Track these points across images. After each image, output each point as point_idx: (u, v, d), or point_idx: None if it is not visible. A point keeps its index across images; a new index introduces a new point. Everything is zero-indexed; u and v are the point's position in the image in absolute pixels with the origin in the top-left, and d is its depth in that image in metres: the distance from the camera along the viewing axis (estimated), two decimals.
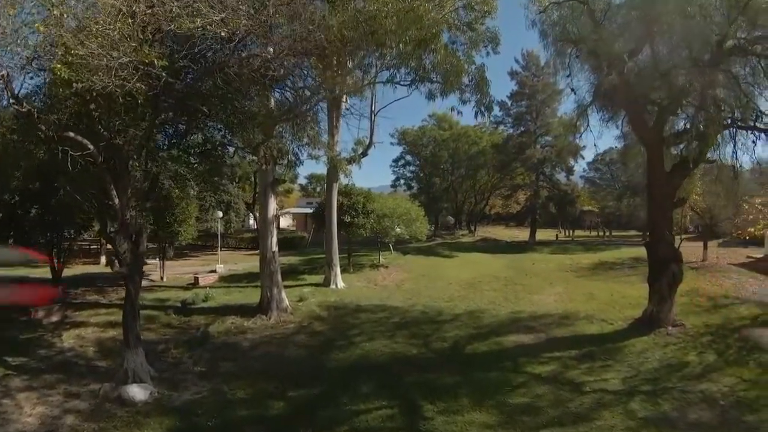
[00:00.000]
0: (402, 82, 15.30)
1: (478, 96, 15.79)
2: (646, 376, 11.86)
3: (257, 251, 21.60)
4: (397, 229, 28.42)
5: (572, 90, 17.29)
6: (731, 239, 40.98)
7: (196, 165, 15.98)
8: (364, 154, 24.08)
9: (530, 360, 13.11)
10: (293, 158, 19.97)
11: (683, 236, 24.06)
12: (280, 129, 19.29)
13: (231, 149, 19.55)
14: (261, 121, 15.22)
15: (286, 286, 23.33)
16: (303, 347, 14.98)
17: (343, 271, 28.37)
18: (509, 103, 48.95)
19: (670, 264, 15.76)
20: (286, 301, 19.76)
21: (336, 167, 20.40)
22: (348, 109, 25.34)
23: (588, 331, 15.95)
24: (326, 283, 24.78)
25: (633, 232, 58.69)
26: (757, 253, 31.73)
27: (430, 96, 15.98)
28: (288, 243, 47.01)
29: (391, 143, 61.55)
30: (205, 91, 12.30)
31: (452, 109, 16.19)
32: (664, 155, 15.88)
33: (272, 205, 20.20)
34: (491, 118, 50.02)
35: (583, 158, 48.49)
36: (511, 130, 50.27)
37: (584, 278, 26.05)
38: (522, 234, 56.33)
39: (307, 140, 19.92)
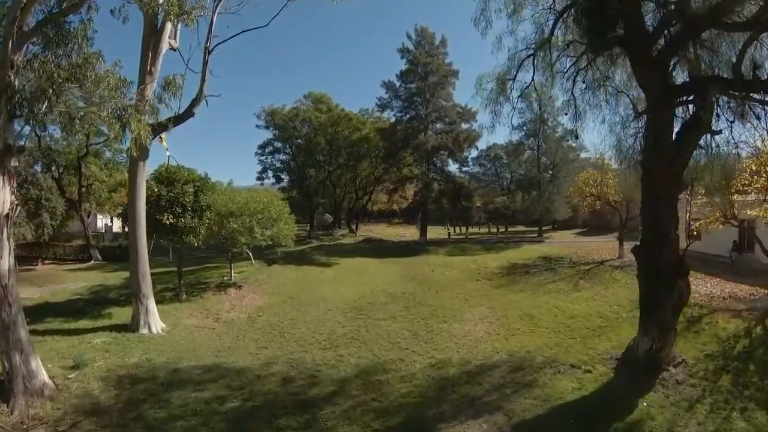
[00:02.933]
0: None
1: None
2: None
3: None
4: (257, 232, 20.20)
5: None
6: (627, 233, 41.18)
7: None
8: (188, 114, 15.56)
9: None
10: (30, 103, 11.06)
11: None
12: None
13: None
14: None
15: (72, 332, 15.31)
16: None
17: (172, 298, 19.51)
18: (398, 84, 43.38)
19: (676, 280, 10.46)
20: (44, 376, 10.98)
21: (127, 127, 11.58)
22: (175, 49, 16.69)
23: (566, 393, 10.05)
24: (134, 325, 15.76)
25: (521, 228, 58.11)
26: None
27: None
28: (125, 252, 35.84)
29: (257, 126, 52.16)
30: None
31: None
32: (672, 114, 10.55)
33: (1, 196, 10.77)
34: (377, 100, 44.35)
35: (477, 149, 44.95)
36: (399, 115, 44.71)
37: (504, 290, 20.90)
38: (409, 232, 51.62)
39: (67, 71, 11.21)
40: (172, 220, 17.84)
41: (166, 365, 12.49)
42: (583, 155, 43.55)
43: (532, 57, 13.03)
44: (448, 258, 31.52)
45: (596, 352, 12.19)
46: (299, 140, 50.68)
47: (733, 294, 18.26)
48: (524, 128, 44.92)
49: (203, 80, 16.42)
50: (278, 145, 52.98)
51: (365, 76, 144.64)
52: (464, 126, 41.44)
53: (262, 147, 53.68)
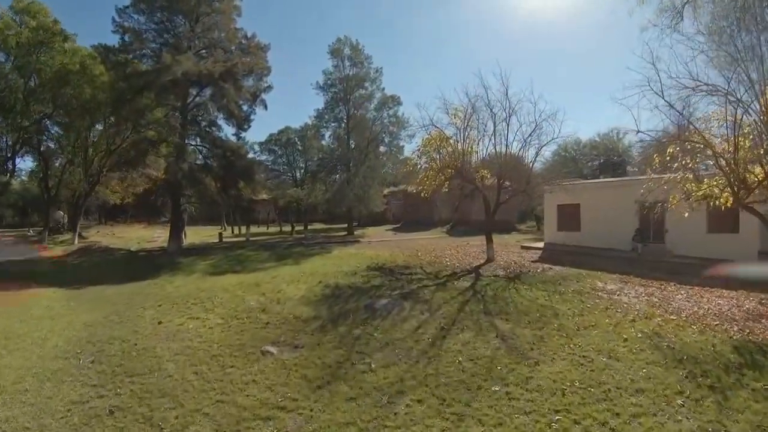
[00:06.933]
0: None
1: None
2: None
3: None
4: None
5: None
6: (456, 226, 33.33)
7: None
8: None
9: None
10: None
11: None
12: None
13: None
14: None
15: None
16: None
17: None
18: None
19: None
20: None
21: None
22: None
23: None
24: None
25: (321, 226, 46.23)
26: (525, 240, 25.10)
27: None
28: None
29: None
30: None
31: None
32: None
33: None
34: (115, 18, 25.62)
35: (266, 108, 29.65)
36: (146, 35, 26.46)
37: (336, 379, 7.44)
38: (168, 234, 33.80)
39: None
40: None
41: None
42: (411, 129, 33.41)
43: None
44: (208, 281, 16.83)
45: None
46: None
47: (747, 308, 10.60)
48: (332, 90, 32.76)
49: None
50: None
51: None
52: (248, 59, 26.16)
53: None
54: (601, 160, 36.86)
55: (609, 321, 9.62)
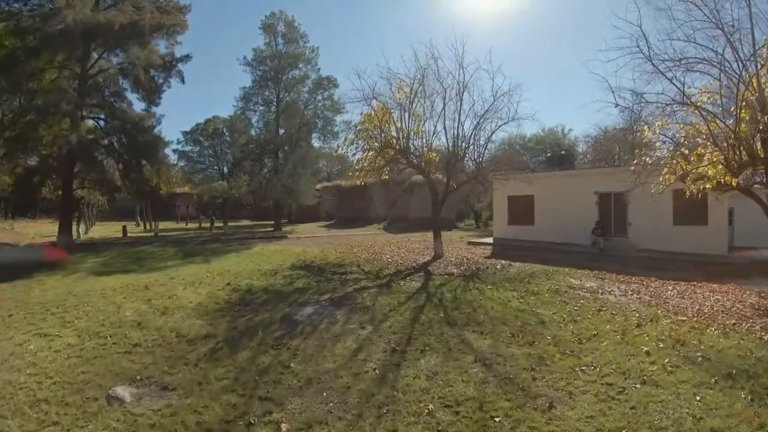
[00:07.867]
0: None
1: None
2: None
3: None
4: None
5: None
6: (393, 222, 30.69)
7: None
8: None
9: None
10: None
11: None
12: None
13: None
14: None
15: None
16: None
17: None
18: None
19: None
20: None
21: None
22: None
23: None
24: None
25: (246, 222, 41.75)
26: (469, 237, 23.14)
27: None
28: None
29: None
30: None
31: None
32: None
33: None
34: None
35: (183, 81, 24.59)
36: None
37: None
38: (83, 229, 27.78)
39: None
40: None
41: None
42: (347, 116, 30.24)
43: None
44: (87, 282, 12.95)
45: None
46: None
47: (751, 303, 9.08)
48: (261, 68, 28.81)
49: None
50: None
51: None
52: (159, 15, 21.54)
53: None
54: (548, 154, 36.46)
55: (612, 327, 7.28)
